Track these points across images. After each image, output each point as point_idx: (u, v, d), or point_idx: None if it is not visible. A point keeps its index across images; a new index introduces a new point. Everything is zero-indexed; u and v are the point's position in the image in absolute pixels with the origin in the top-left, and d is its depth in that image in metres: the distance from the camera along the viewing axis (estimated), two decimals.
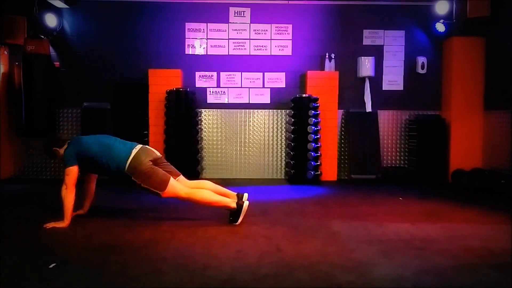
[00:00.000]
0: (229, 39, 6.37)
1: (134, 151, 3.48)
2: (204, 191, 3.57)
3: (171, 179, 3.47)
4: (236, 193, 3.69)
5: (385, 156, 6.44)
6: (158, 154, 3.66)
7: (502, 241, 3.09)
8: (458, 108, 6.09)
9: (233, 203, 3.53)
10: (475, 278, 2.41)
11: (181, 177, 3.72)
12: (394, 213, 4.04)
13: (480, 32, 6.03)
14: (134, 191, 5.08)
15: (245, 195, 3.66)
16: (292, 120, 5.89)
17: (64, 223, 3.40)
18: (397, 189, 5.41)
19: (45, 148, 3.68)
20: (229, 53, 6.37)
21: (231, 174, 6.35)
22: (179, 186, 3.51)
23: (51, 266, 2.53)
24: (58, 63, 6.24)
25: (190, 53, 6.36)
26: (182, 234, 3.24)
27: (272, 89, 6.39)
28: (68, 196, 3.41)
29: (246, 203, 3.55)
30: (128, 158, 3.43)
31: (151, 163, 3.47)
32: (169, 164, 3.74)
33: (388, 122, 6.44)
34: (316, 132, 5.80)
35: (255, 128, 6.39)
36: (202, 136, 6.34)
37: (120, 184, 5.51)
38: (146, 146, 3.68)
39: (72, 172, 3.45)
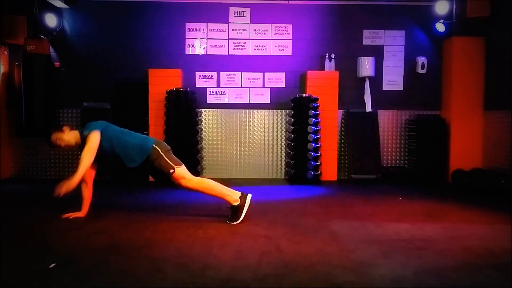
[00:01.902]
0: (229, 39, 6.37)
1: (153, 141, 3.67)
2: (213, 181, 3.68)
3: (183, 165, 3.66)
4: (240, 192, 3.68)
5: (385, 156, 6.44)
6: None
7: (502, 241, 3.09)
8: (458, 108, 6.09)
9: (236, 202, 3.55)
10: (475, 278, 2.41)
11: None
12: (394, 213, 4.04)
13: (480, 32, 6.03)
14: (134, 191, 5.10)
15: (249, 196, 3.66)
16: (292, 120, 5.89)
17: (82, 213, 3.69)
18: (397, 189, 5.41)
19: (53, 127, 3.76)
20: (229, 53, 6.37)
21: (231, 174, 6.35)
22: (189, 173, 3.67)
23: (51, 266, 2.53)
24: (58, 63, 6.24)
25: (190, 53, 6.36)
26: (182, 234, 3.24)
27: (272, 89, 6.39)
28: (85, 190, 3.65)
29: (249, 196, 3.59)
30: (151, 144, 3.62)
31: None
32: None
33: (388, 122, 6.44)
34: (316, 132, 5.80)
35: (255, 128, 6.39)
36: (202, 136, 6.34)
37: (120, 184, 5.54)
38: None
39: (95, 137, 3.49)
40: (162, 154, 3.56)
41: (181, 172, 3.57)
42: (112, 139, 3.58)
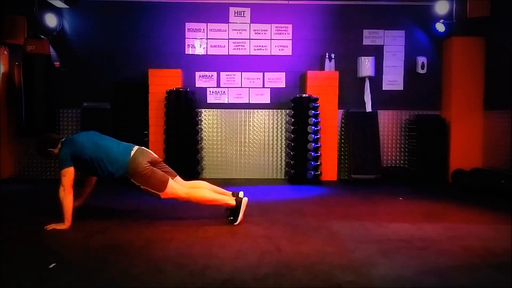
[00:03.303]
0: (229, 39, 6.37)
1: (132, 153, 3.46)
2: (203, 190, 3.61)
3: (170, 179, 3.49)
4: (231, 192, 3.70)
5: (385, 156, 6.44)
6: (155, 155, 3.65)
7: (502, 241, 3.09)
8: (458, 108, 6.08)
9: (232, 201, 3.55)
10: (475, 278, 2.41)
11: (178, 178, 3.71)
12: (394, 213, 4.04)
13: (480, 32, 6.03)
14: (134, 191, 5.09)
15: (241, 193, 3.67)
16: (292, 120, 5.89)
17: (65, 225, 3.35)
18: (397, 189, 5.41)
19: (37, 149, 3.60)
20: (229, 53, 6.37)
21: (231, 174, 6.34)
22: (178, 186, 3.53)
23: (51, 266, 2.53)
24: (58, 63, 6.24)
25: (190, 53, 6.36)
26: (182, 234, 3.24)
27: (272, 89, 6.39)
28: (67, 198, 3.35)
29: (245, 199, 3.57)
30: (127, 160, 3.41)
31: (149, 164, 3.47)
32: (165, 165, 3.73)
33: (388, 122, 6.44)
34: (316, 132, 5.80)
35: (255, 128, 6.39)
36: (202, 136, 6.34)
37: (119, 184, 5.53)
38: (142, 147, 3.64)
39: (68, 173, 3.38)
40: (143, 187, 3.44)
41: (167, 195, 3.46)
42: (83, 160, 3.43)
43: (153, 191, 3.44)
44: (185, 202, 3.57)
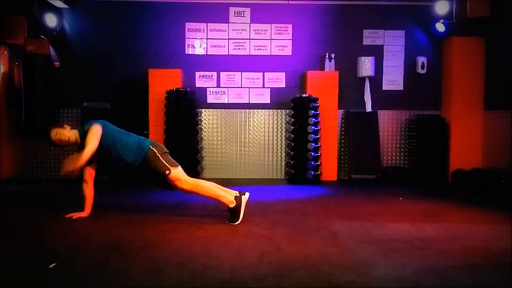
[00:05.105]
0: (229, 39, 6.37)
1: (149, 141, 3.72)
2: (208, 183, 3.68)
3: (180, 167, 3.66)
4: (238, 192, 3.69)
5: (385, 156, 6.44)
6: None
7: (502, 241, 3.09)
8: (458, 108, 6.08)
9: (232, 204, 3.54)
10: (475, 278, 2.41)
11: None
12: (394, 213, 4.04)
13: (480, 32, 6.02)
14: (134, 191, 5.10)
15: (247, 194, 3.66)
16: (292, 120, 5.89)
17: (85, 213, 3.70)
18: (397, 189, 5.41)
19: (47, 134, 3.65)
20: (229, 53, 6.37)
21: (231, 174, 6.34)
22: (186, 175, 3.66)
23: (51, 266, 2.53)
24: (58, 63, 6.24)
25: (190, 53, 6.36)
26: (182, 234, 3.24)
27: (272, 89, 6.39)
28: (88, 189, 3.68)
29: (245, 196, 3.59)
30: (147, 146, 3.62)
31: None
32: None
33: (388, 122, 6.44)
34: (316, 132, 5.80)
35: (255, 128, 6.39)
36: (202, 136, 6.34)
37: (120, 184, 5.54)
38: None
39: (98, 127, 3.54)
40: (159, 155, 3.57)
41: (177, 173, 3.56)
42: (109, 138, 3.59)
43: (166, 164, 3.55)
44: (189, 192, 3.61)
